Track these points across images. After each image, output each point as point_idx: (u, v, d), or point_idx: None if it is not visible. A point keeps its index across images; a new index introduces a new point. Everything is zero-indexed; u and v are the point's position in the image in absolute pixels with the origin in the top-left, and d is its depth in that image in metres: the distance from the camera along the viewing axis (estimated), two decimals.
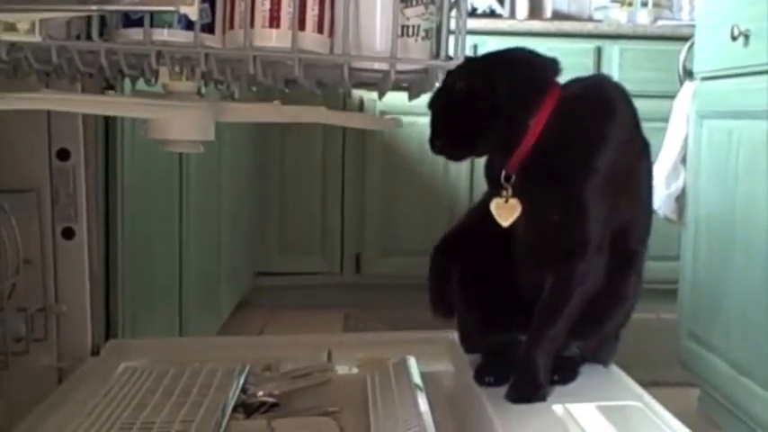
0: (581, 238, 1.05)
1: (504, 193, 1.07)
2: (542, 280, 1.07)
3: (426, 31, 0.78)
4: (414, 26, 0.77)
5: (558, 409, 1.00)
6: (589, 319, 1.08)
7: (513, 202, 1.07)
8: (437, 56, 0.79)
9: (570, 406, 1.00)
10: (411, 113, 2.94)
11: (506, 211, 1.08)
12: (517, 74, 1.08)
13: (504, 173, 1.07)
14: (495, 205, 1.08)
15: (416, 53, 0.78)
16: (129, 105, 0.93)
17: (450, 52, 0.80)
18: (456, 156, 1.14)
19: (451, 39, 0.80)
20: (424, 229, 2.99)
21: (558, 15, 3.57)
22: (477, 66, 1.07)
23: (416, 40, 0.77)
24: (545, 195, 1.06)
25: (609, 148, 1.05)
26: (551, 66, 1.09)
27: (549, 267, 1.07)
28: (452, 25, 0.79)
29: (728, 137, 1.88)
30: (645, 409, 1.00)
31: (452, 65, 0.76)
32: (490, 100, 1.05)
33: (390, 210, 3.08)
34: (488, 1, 3.47)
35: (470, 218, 1.22)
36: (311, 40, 0.75)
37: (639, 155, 1.13)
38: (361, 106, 2.97)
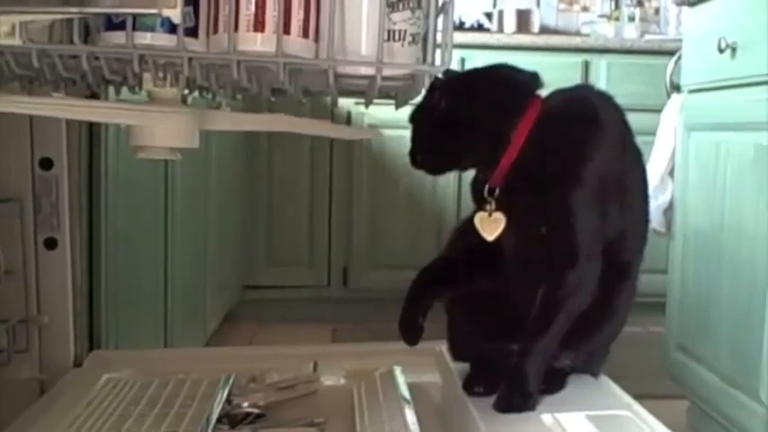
0: (569, 248, 1.04)
1: (488, 206, 1.07)
2: (533, 291, 1.06)
3: (413, 36, 0.77)
4: (400, 31, 0.76)
5: (547, 418, 0.99)
6: (581, 331, 1.07)
7: (498, 215, 1.06)
8: (424, 61, 0.78)
9: (559, 415, 0.99)
10: (398, 127, 2.93)
11: (490, 225, 1.07)
12: (497, 89, 1.08)
13: (487, 187, 1.07)
14: (478, 219, 1.08)
15: (403, 58, 0.77)
16: (110, 111, 0.91)
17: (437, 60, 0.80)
18: (437, 171, 1.14)
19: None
20: (412, 243, 2.98)
21: (545, 30, 3.59)
22: (457, 82, 1.07)
23: (403, 45, 0.76)
24: (530, 208, 1.05)
25: (593, 158, 1.05)
26: (532, 80, 1.09)
27: (538, 279, 1.06)
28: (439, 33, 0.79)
29: (716, 149, 1.89)
30: (634, 419, 0.99)
31: (439, 70, 0.75)
32: (471, 116, 1.05)
33: (378, 223, 3.08)
34: (476, 15, 3.49)
35: (455, 243, 1.21)
36: (296, 44, 0.74)
37: (631, 163, 1.13)
38: (348, 119, 2.97)
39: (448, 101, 1.04)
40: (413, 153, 1.11)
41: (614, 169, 1.08)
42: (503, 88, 1.08)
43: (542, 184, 1.04)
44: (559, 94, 1.10)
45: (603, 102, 1.11)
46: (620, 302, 1.12)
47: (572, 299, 1.05)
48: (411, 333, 1.13)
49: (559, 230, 1.04)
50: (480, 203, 1.10)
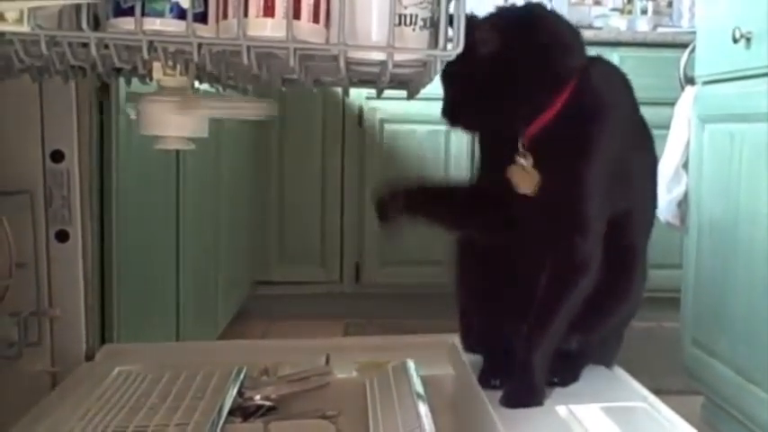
0: (580, 223, 1.03)
1: (522, 160, 1.04)
2: (540, 269, 1.05)
3: (424, 20, 0.76)
4: (411, 15, 0.75)
5: (562, 410, 0.98)
6: (592, 315, 1.06)
7: (532, 170, 1.04)
8: (435, 46, 0.76)
9: (574, 407, 0.98)
10: (410, 121, 2.94)
11: (525, 178, 1.05)
12: (570, 41, 1.07)
13: (521, 141, 1.04)
14: (513, 172, 1.05)
15: (414, 43, 0.76)
16: None
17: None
18: (481, 127, 1.10)
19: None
20: (424, 239, 2.95)
21: None
22: (505, 22, 1.05)
23: (414, 30, 0.75)
24: (550, 176, 1.04)
25: (612, 136, 1.04)
26: (581, 40, 1.09)
27: (547, 251, 1.04)
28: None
29: (730, 140, 1.87)
30: (650, 410, 0.98)
31: (452, 54, 0.74)
32: (532, 55, 1.02)
33: None
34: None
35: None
36: (307, 29, 0.73)
37: (639, 146, 1.12)
38: (360, 114, 2.95)
39: (500, 41, 1.01)
40: (452, 110, 1.07)
41: (622, 149, 1.08)
42: (573, 42, 1.07)
43: (563, 154, 1.03)
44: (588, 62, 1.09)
45: (626, 82, 1.11)
46: (630, 287, 1.11)
47: (577, 277, 1.04)
48: (387, 215, 1.22)
49: (571, 204, 1.03)
50: (499, 155, 1.08)
